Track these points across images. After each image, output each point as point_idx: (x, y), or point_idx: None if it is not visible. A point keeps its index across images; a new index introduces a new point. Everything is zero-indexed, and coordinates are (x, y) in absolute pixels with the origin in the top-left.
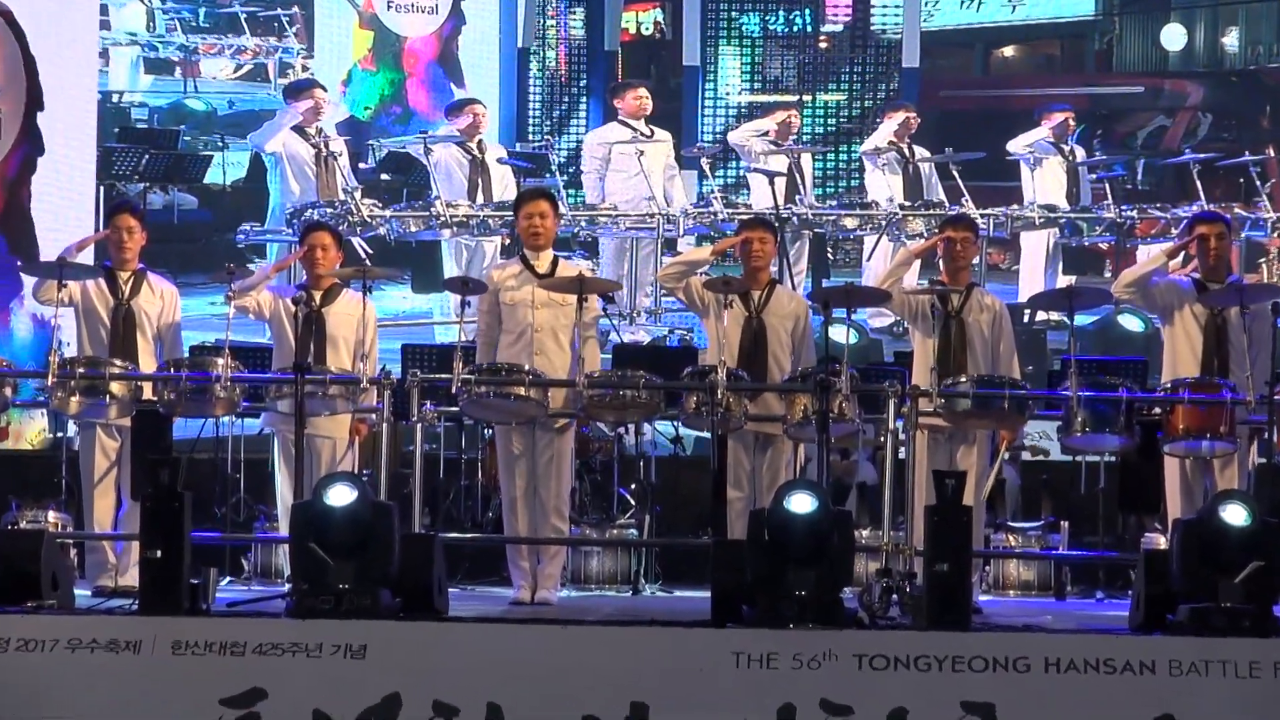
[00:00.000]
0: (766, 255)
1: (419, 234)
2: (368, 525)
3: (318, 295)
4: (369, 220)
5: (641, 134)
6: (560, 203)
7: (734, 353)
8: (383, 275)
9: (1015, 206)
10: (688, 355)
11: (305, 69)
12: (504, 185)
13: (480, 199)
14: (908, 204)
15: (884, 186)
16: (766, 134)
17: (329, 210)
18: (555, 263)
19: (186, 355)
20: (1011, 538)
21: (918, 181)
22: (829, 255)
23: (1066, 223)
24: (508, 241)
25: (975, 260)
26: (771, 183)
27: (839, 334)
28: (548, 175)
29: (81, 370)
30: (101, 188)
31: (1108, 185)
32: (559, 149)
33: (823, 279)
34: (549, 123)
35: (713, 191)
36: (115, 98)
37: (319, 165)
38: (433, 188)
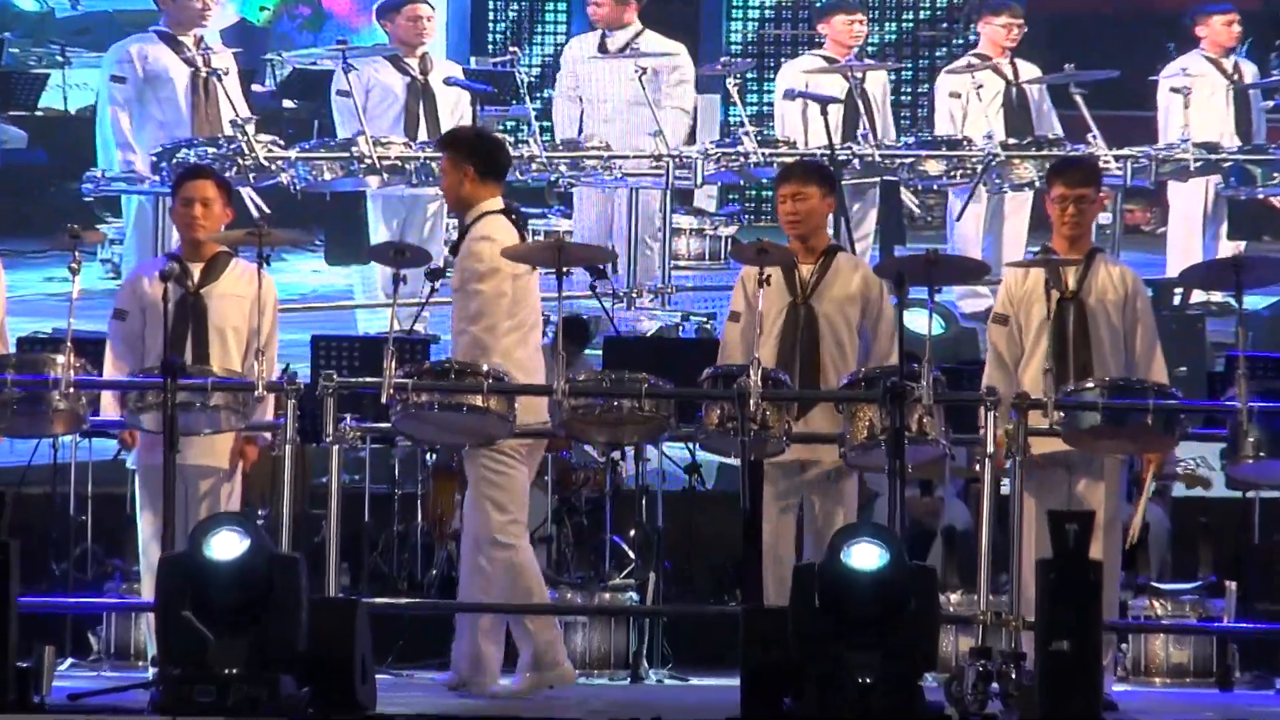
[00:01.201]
0: (809, 215)
1: (335, 183)
2: (264, 587)
3: (196, 269)
4: (266, 164)
5: (632, 48)
6: (533, 140)
7: (773, 349)
8: (286, 241)
9: (1161, 146)
10: (709, 351)
11: None
12: (455, 115)
13: (423, 134)
14: (1013, 142)
15: (974, 119)
16: (820, 45)
17: (210, 151)
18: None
19: (13, 351)
20: (1158, 604)
21: (1024, 111)
22: (907, 213)
23: (1233, 168)
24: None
25: (1105, 220)
26: (824, 112)
27: (918, 322)
28: (514, 103)
29: None
30: None
31: None
32: (528, 64)
33: (895, 246)
34: (515, 29)
35: (742, 124)
36: None
37: (197, 89)
38: (355, 120)
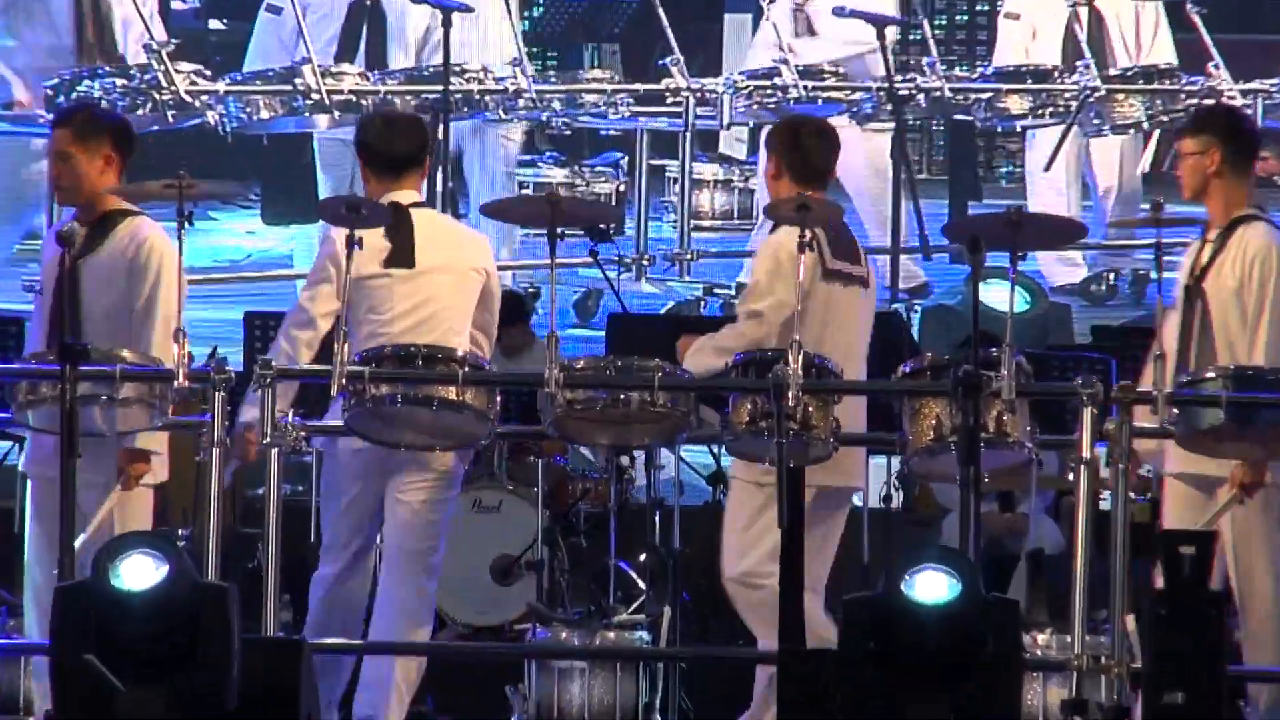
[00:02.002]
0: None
1: (275, 123)
2: (186, 624)
3: (83, 233)
4: (188, 100)
5: None
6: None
7: (817, 330)
8: (213, 195)
9: None
10: None
11: None
12: (420, 39)
13: (392, 62)
14: (1115, 73)
15: (1045, 43)
16: None
17: (119, 84)
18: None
19: None
20: None
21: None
22: (980, 162)
23: None
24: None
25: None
26: (880, 35)
27: (998, 297)
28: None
29: None
30: None
31: None
32: None
33: (968, 203)
34: None
35: (782, 48)
36: None
37: (80, 4)
38: (299, 44)
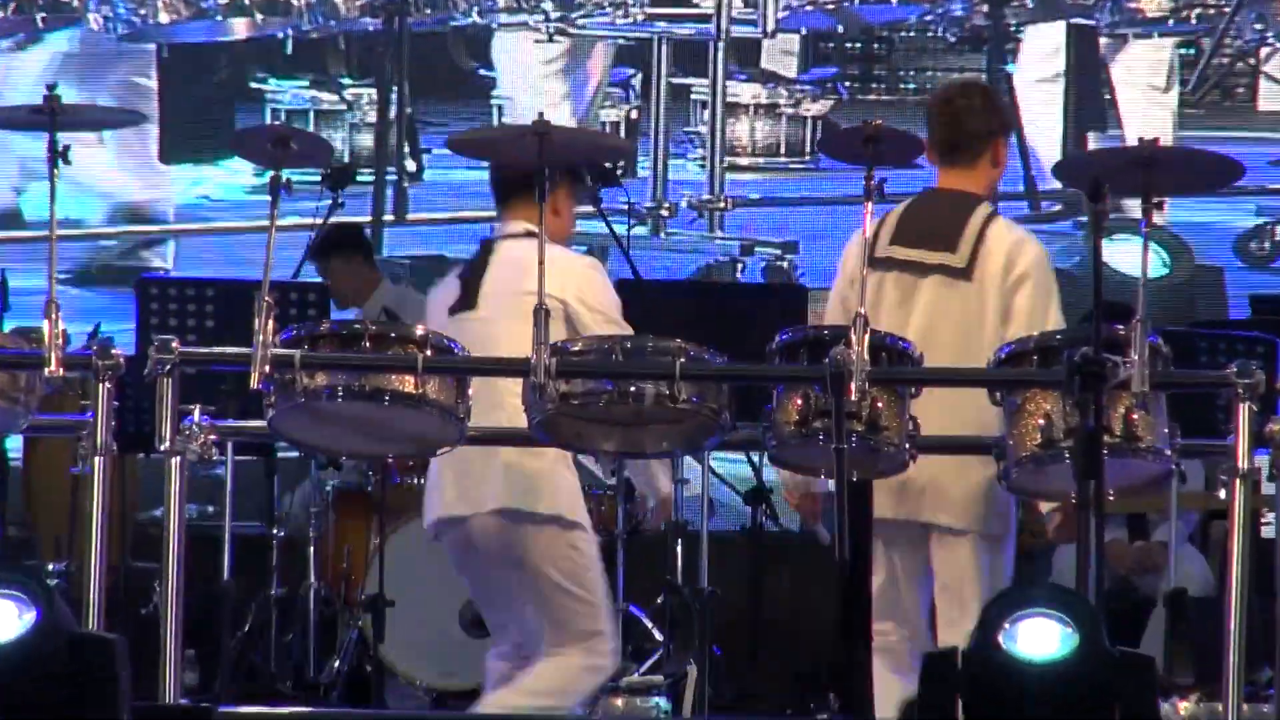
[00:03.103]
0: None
1: (176, 29)
2: (60, 685)
3: None
4: None
5: None
6: None
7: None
8: (94, 124)
9: None
10: (790, 306)
11: None
12: None
13: None
14: None
15: None
16: None
17: None
18: None
19: None
20: None
21: None
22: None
23: None
24: None
25: None
26: None
27: (1124, 256)
28: None
29: None
30: None
31: None
32: None
33: (1088, 134)
34: None
35: None
36: None
37: None
38: None
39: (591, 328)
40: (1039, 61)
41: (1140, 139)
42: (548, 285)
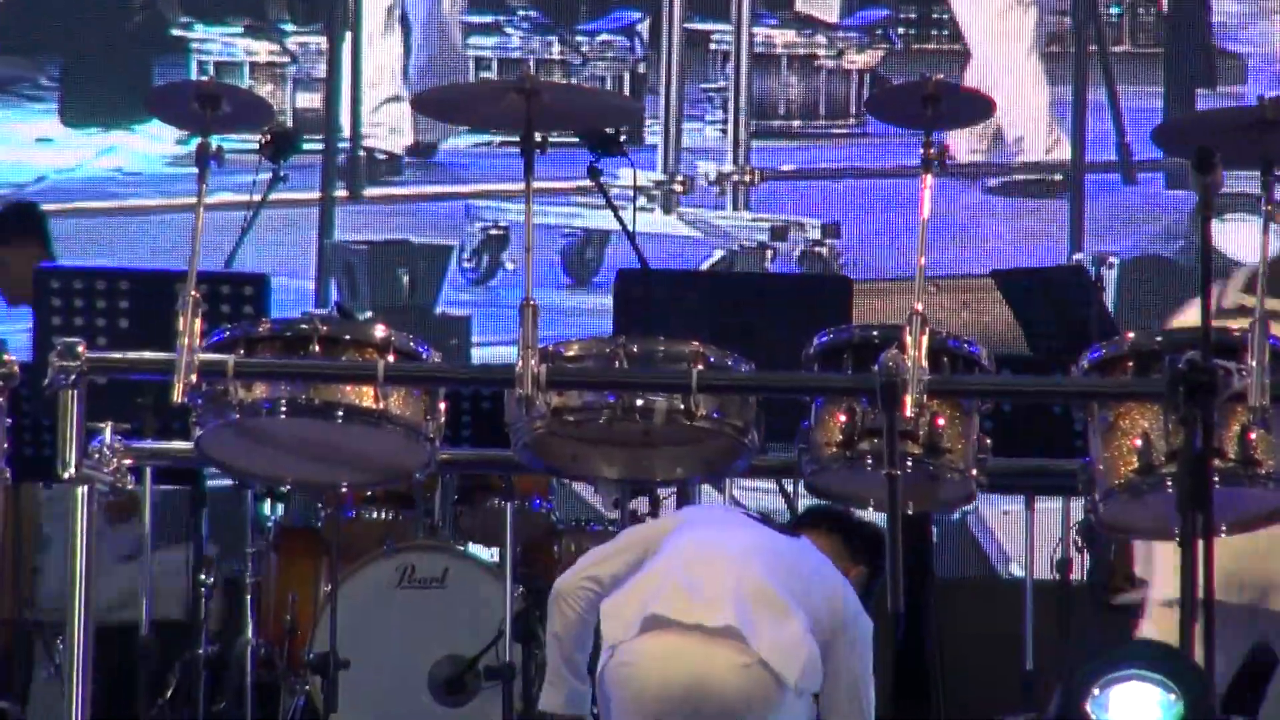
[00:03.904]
0: None
1: None
2: None
3: None
4: None
5: None
6: None
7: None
8: None
9: None
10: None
11: None
12: None
13: None
14: None
15: None
16: None
17: None
18: None
19: None
20: None
21: None
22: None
23: None
24: None
25: None
26: None
27: (1240, 240)
28: None
29: None
30: None
31: None
32: None
33: (1195, 93)
34: None
35: None
36: None
37: None
38: None
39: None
40: None
41: (1261, 98)
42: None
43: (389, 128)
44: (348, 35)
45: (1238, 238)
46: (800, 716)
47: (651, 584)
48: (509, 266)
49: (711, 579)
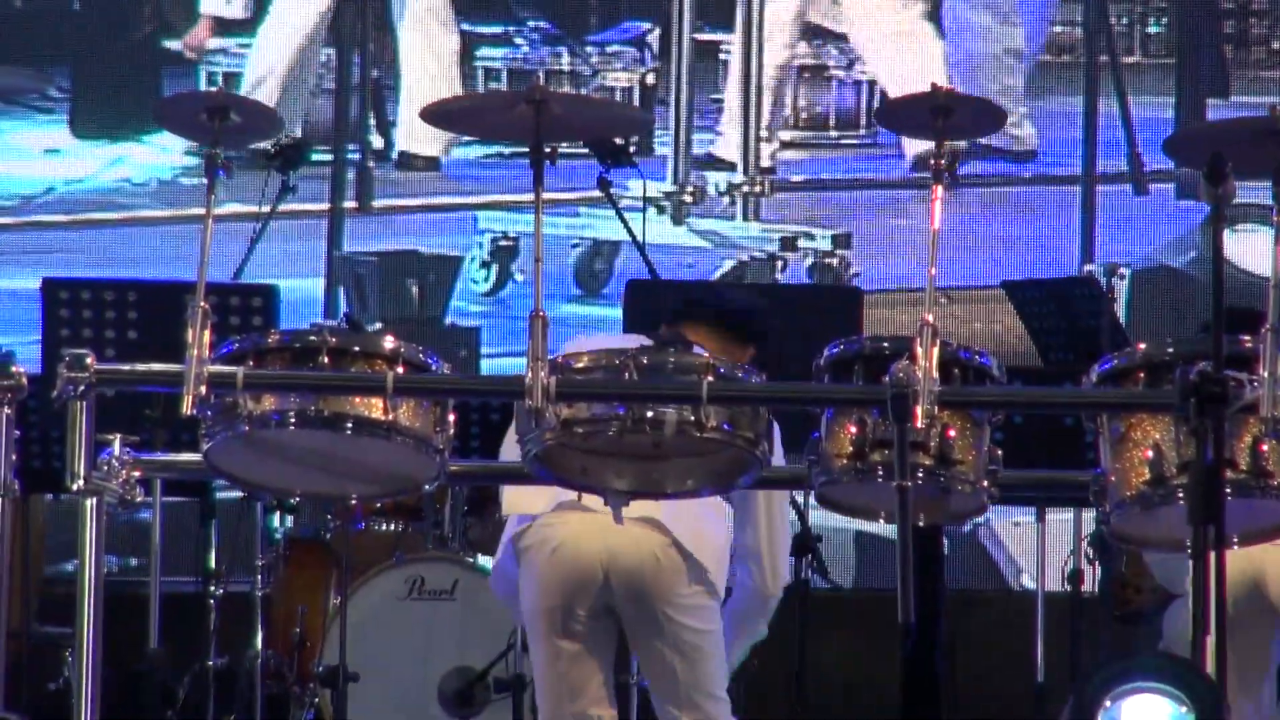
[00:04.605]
0: None
1: None
2: None
3: None
4: None
5: None
6: None
7: None
8: None
9: None
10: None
11: None
12: None
13: None
14: None
15: None
16: None
17: None
18: None
19: None
20: None
21: None
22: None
23: None
24: None
25: None
26: None
27: (1253, 251)
28: None
29: None
30: None
31: None
32: None
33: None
34: None
35: None
36: None
37: None
38: None
39: None
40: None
41: (1273, 107)
42: None
43: (431, 132)
44: (356, 47)
45: (1249, 249)
46: (711, 612)
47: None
48: (518, 278)
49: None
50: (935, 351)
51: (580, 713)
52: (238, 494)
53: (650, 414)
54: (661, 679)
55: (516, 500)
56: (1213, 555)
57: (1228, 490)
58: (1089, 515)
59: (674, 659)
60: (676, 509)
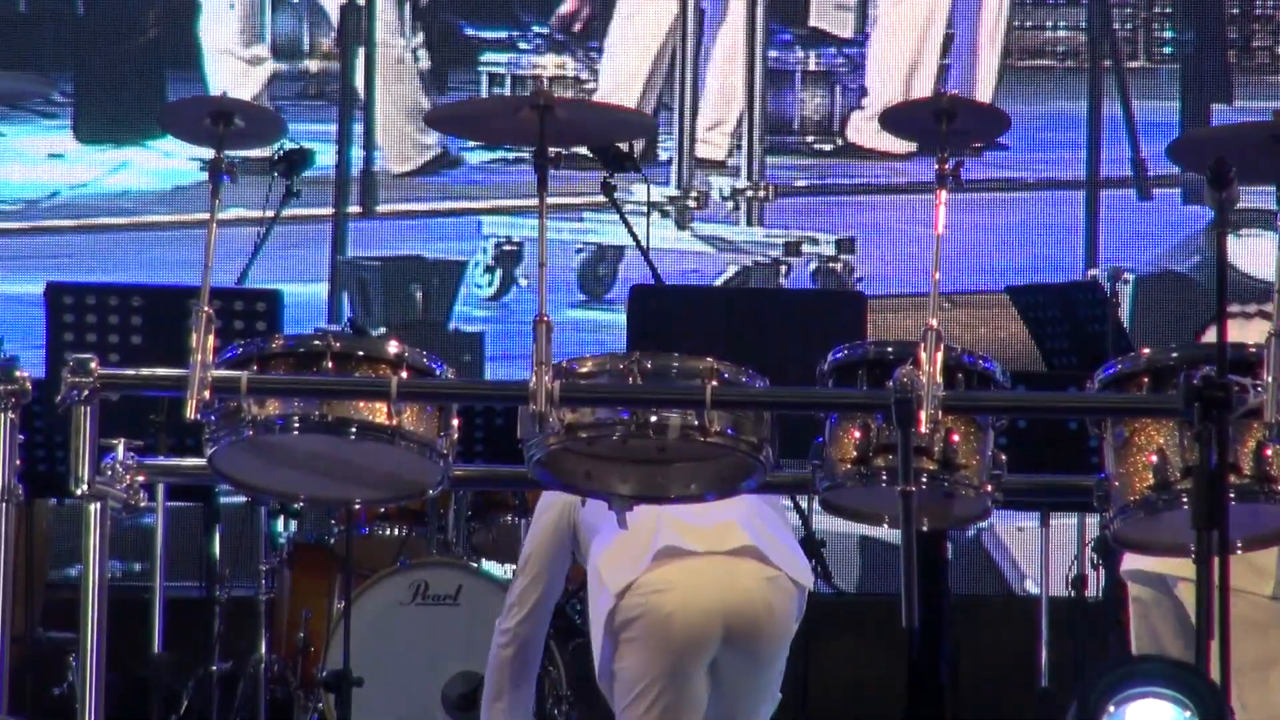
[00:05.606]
0: None
1: None
2: None
3: None
4: None
5: None
6: None
7: None
8: None
9: None
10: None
11: None
12: None
13: None
14: None
15: None
16: None
17: None
18: None
19: None
20: None
21: None
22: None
23: None
24: None
25: None
26: None
27: (1256, 256)
28: None
29: None
30: None
31: None
32: None
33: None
34: None
35: None
36: None
37: None
38: None
39: None
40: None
41: (1276, 112)
42: None
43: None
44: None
45: (1253, 253)
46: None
47: (645, 529)
48: (522, 283)
49: (706, 511)
50: (939, 356)
51: None
52: (242, 499)
53: (654, 418)
54: (735, 697)
55: (614, 564)
56: (1216, 560)
57: (1231, 495)
58: (1093, 520)
59: (755, 682)
60: (757, 529)
